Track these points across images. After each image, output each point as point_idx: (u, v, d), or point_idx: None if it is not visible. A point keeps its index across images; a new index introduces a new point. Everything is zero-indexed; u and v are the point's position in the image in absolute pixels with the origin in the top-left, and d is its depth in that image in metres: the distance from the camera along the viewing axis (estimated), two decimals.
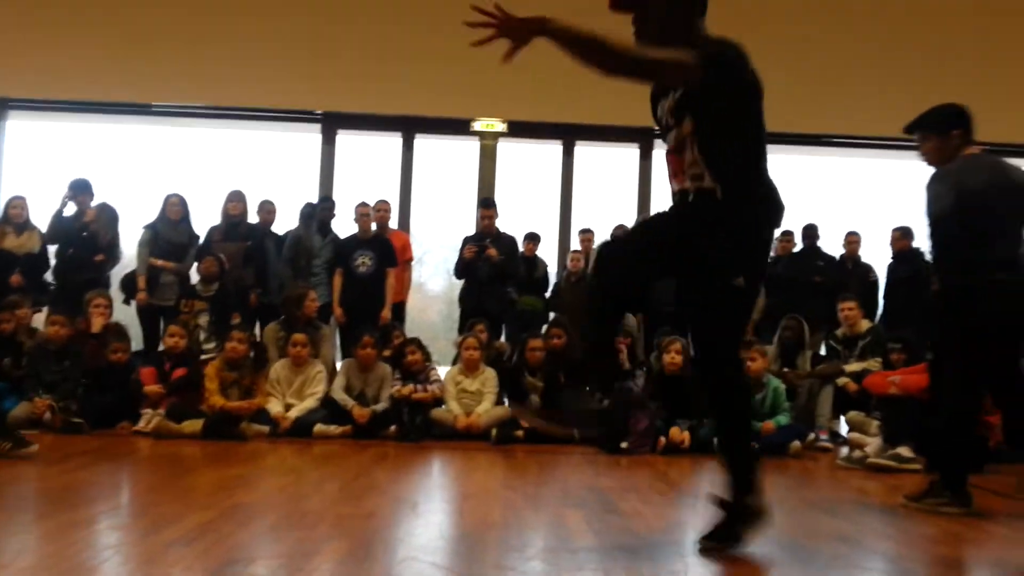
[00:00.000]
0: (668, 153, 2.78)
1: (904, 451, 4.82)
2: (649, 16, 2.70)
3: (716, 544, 2.69)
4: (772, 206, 2.73)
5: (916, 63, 8.99)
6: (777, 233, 2.98)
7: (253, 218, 7.35)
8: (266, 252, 7.23)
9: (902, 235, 7.49)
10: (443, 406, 5.98)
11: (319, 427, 5.64)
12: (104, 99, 9.04)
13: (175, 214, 7.12)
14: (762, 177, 2.72)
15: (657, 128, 2.86)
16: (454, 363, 6.43)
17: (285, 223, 7.59)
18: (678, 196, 2.75)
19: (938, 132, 3.73)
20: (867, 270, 7.73)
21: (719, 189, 2.63)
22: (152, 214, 7.15)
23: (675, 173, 2.75)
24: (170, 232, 7.07)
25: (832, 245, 7.97)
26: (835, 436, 6.24)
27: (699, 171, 2.66)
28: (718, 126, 2.64)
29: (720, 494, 2.74)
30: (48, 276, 7.04)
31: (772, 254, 8.21)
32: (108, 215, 7.13)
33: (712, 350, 2.77)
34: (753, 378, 5.74)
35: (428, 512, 3.39)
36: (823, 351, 7.08)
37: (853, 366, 6.42)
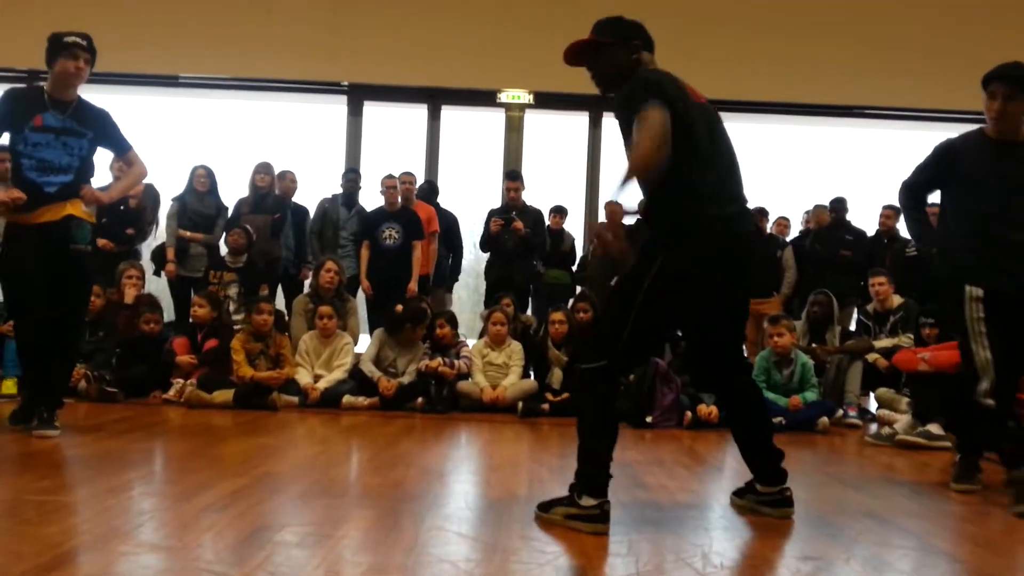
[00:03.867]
0: None
1: (934, 428, 4.78)
2: (598, 70, 2.88)
3: None
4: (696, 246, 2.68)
5: (954, 34, 8.80)
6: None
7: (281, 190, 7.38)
8: (284, 223, 7.26)
9: (934, 212, 7.36)
10: (470, 379, 6.01)
11: (347, 398, 5.69)
12: (132, 71, 9.09)
13: (202, 186, 7.18)
14: (690, 214, 2.69)
15: None
16: (480, 336, 6.45)
17: (312, 195, 7.64)
18: None
19: None
20: (904, 245, 7.61)
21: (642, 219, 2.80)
22: (180, 186, 7.22)
23: None
24: (197, 204, 7.13)
25: (869, 219, 7.87)
26: (864, 412, 6.19)
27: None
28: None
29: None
30: None
31: (802, 227, 8.15)
32: (153, 196, 7.19)
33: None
34: (781, 353, 5.72)
35: (455, 482, 3.43)
36: (853, 327, 7.02)
37: (883, 342, 6.36)
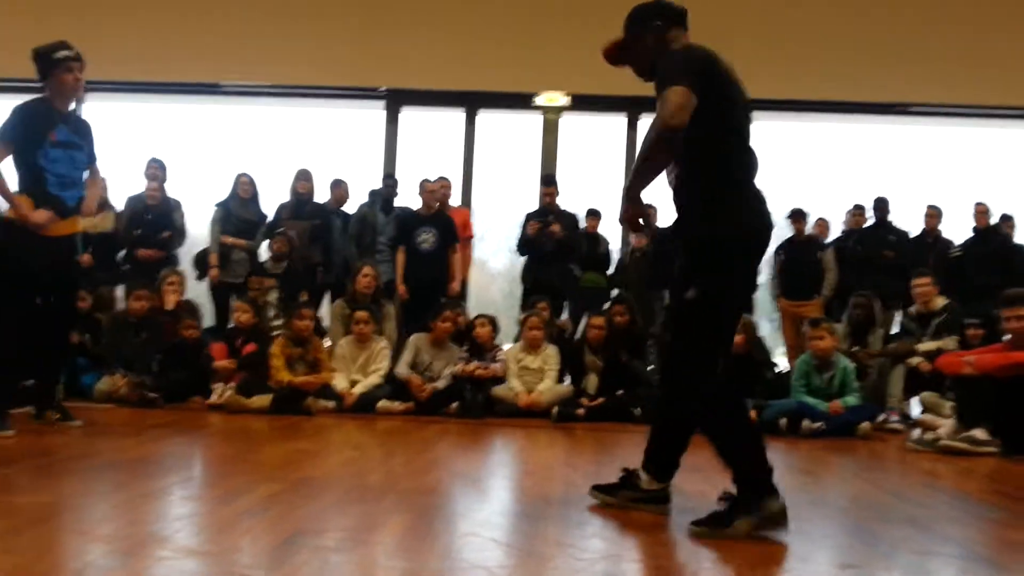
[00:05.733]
0: None
1: (979, 433, 4.67)
2: (634, 64, 2.87)
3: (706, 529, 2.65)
4: (732, 224, 2.64)
5: (997, 30, 8.60)
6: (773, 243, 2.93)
7: (320, 196, 7.46)
8: (332, 230, 7.33)
9: (983, 211, 7.25)
10: (504, 384, 6.01)
11: (383, 403, 5.73)
12: (174, 79, 9.26)
13: (245, 192, 7.28)
14: (726, 192, 2.67)
15: None
16: (516, 340, 6.45)
17: (351, 200, 7.70)
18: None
19: None
20: (947, 246, 7.46)
21: (674, 196, 2.75)
22: (223, 193, 7.32)
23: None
24: (241, 210, 7.23)
25: (913, 219, 7.73)
26: (906, 417, 6.07)
27: (671, 177, 2.76)
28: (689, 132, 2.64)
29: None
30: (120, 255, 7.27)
31: (844, 228, 8.02)
32: (170, 204, 7.29)
33: (668, 370, 2.88)
34: (822, 357, 5.64)
35: (489, 488, 3.42)
36: (895, 329, 6.89)
37: (927, 345, 6.24)
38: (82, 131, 4.42)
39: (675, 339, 2.76)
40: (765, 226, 2.73)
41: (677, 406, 2.83)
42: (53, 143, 4.24)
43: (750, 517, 2.60)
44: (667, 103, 2.53)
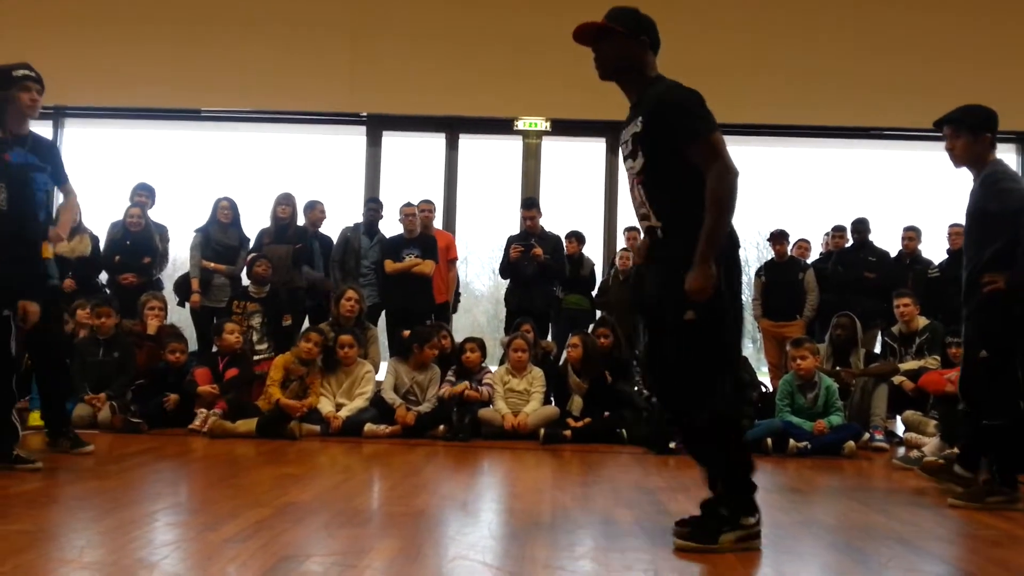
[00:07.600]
0: (630, 188, 2.87)
1: None
2: (602, 55, 2.85)
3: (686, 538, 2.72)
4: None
5: (977, 54, 8.77)
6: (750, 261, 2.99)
7: (302, 220, 7.44)
8: (312, 254, 7.31)
9: (958, 232, 7.34)
10: (491, 406, 5.99)
11: (369, 427, 5.69)
12: (156, 105, 9.25)
13: (225, 217, 7.25)
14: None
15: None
16: (501, 363, 6.44)
17: (333, 224, 7.70)
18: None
19: (972, 131, 3.72)
20: (927, 266, 7.55)
21: (661, 228, 2.75)
22: (203, 218, 7.30)
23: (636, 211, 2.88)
24: (220, 235, 7.21)
25: (892, 240, 7.82)
26: (891, 436, 6.10)
27: (645, 211, 2.79)
28: (664, 166, 2.71)
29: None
30: (102, 278, 7.22)
31: (822, 250, 8.10)
32: (152, 230, 7.26)
33: (671, 392, 2.85)
34: (804, 376, 5.67)
35: (478, 511, 3.41)
36: (878, 348, 6.95)
37: (909, 364, 6.28)
38: (43, 152, 4.24)
39: (682, 361, 2.72)
40: (735, 244, 2.79)
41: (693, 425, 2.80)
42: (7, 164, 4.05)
43: (735, 532, 2.66)
44: (721, 151, 2.62)
